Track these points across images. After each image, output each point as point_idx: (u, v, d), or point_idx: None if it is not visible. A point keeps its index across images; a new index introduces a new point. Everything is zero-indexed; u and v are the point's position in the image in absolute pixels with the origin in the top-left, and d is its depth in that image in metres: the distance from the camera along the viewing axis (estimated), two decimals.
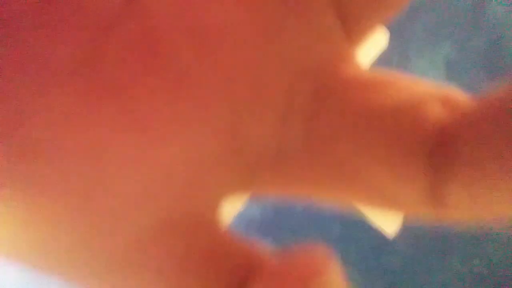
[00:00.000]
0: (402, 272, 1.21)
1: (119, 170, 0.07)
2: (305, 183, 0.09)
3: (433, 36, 1.18)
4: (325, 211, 1.19)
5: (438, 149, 0.08)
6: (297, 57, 0.08)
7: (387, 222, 0.84)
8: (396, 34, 1.01)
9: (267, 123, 0.08)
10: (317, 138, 0.08)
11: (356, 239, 1.22)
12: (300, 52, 0.08)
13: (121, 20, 0.06)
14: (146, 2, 0.07)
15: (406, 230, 0.98)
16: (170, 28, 0.07)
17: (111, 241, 0.07)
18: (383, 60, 0.99)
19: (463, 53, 1.17)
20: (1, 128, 0.06)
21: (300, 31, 0.08)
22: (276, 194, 0.09)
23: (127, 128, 0.07)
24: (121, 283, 0.08)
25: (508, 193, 0.07)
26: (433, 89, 0.08)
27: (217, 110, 0.08)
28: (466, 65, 1.18)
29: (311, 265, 0.07)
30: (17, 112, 0.06)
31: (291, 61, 0.08)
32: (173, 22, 0.07)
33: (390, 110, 0.08)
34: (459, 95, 0.08)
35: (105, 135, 0.07)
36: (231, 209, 0.84)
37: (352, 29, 0.08)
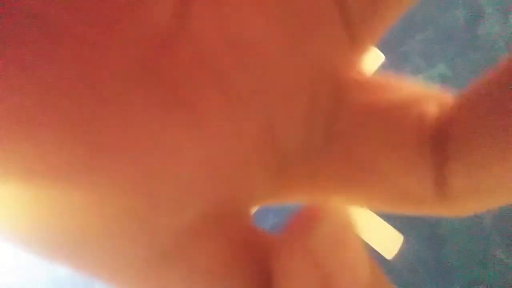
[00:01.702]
0: None
1: (176, 164, 0.08)
2: (324, 179, 0.10)
3: (428, 55, 1.19)
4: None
5: (440, 141, 0.09)
6: (315, 65, 0.09)
7: (386, 245, 0.83)
8: (391, 53, 1.01)
9: (296, 123, 0.09)
10: (335, 136, 0.09)
11: None
12: (317, 60, 0.09)
13: (174, 39, 0.08)
14: (194, 24, 0.08)
15: (405, 255, 0.96)
16: (216, 47, 0.08)
17: (165, 228, 0.08)
18: None
19: (458, 71, 1.18)
20: (77, 124, 0.07)
21: (316, 42, 0.09)
22: (301, 195, 0.10)
23: (186, 127, 0.08)
24: (168, 275, 0.08)
25: (505, 175, 0.08)
26: (423, 89, 0.10)
27: (257, 112, 0.08)
28: (461, 83, 1.18)
29: (312, 213, 0.08)
30: (91, 112, 0.07)
31: (311, 68, 0.09)
32: (217, 40, 0.08)
33: (397, 107, 0.09)
34: (447, 94, 0.09)
35: (166, 135, 0.08)
36: None
37: (357, 40, 0.09)
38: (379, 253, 0.83)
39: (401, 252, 0.83)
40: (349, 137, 0.09)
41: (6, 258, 1.16)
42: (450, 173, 0.08)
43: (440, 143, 0.09)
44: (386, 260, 0.83)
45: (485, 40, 1.18)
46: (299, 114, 0.09)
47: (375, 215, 0.82)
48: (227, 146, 0.08)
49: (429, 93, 0.09)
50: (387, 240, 0.83)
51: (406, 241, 0.83)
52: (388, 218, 0.83)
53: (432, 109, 0.09)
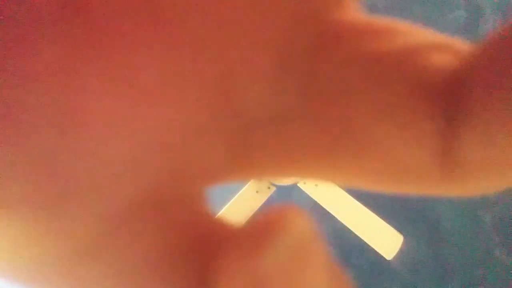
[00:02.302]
0: None
1: (105, 132, 0.06)
2: (304, 152, 0.08)
3: None
4: (323, 234, 1.17)
5: (447, 99, 0.07)
6: (289, 5, 0.07)
7: (386, 245, 0.83)
8: None
9: (261, 81, 0.07)
10: (315, 96, 0.07)
11: (354, 263, 1.20)
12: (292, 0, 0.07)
13: None
14: None
15: (405, 255, 0.96)
16: None
17: (94, 211, 0.07)
18: None
19: None
20: None
21: None
22: (272, 172, 0.08)
23: (117, 85, 0.06)
24: (104, 259, 0.07)
25: None
26: (433, 35, 0.08)
27: (210, 66, 0.07)
28: None
29: (275, 216, 0.07)
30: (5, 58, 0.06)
31: (284, 9, 0.07)
32: None
33: (391, 57, 0.07)
34: (459, 42, 0.07)
35: (92, 92, 0.06)
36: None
37: None
38: (379, 253, 0.83)
39: (400, 252, 0.83)
40: (333, 97, 0.07)
41: None
42: (463, 143, 0.07)
43: (452, 104, 0.07)
44: (386, 260, 0.83)
45: None
46: (266, 68, 0.07)
47: (374, 215, 0.82)
48: (169, 108, 0.07)
49: (439, 41, 0.07)
50: (386, 240, 0.83)
51: (405, 241, 0.83)
52: (388, 218, 0.83)
53: (442, 60, 0.07)
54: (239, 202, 0.81)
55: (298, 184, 0.81)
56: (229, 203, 0.81)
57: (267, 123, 0.08)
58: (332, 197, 0.83)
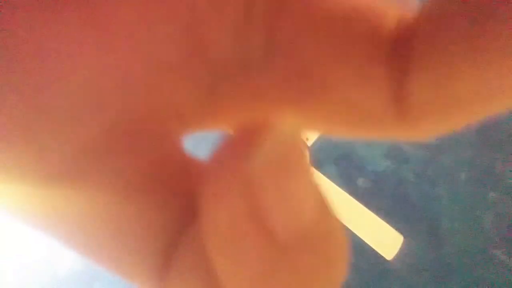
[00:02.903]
0: None
1: (72, 67, 0.07)
2: (269, 100, 0.08)
3: None
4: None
5: (401, 53, 0.08)
6: None
7: (386, 246, 0.83)
8: None
9: (226, 29, 0.08)
10: (278, 44, 0.08)
11: (354, 264, 1.20)
12: None
13: None
14: None
15: (405, 255, 0.96)
16: None
17: (63, 144, 0.07)
18: None
19: None
20: None
21: None
22: (242, 119, 0.09)
23: (83, 23, 0.07)
24: (72, 193, 0.07)
25: (474, 81, 0.07)
26: (386, 3, 0.08)
27: (180, 11, 0.07)
28: None
29: (261, 122, 0.07)
30: None
31: None
32: None
33: (351, 15, 0.08)
34: (409, 11, 0.08)
35: (59, 30, 0.07)
36: None
37: None
38: (379, 254, 0.83)
39: (400, 253, 0.83)
40: (295, 47, 0.08)
41: (9, 258, 1.16)
42: (412, 88, 0.08)
43: (400, 56, 0.08)
44: (386, 260, 0.83)
45: None
46: (231, 17, 0.08)
47: (374, 215, 0.82)
48: (138, 49, 0.07)
49: (389, 7, 0.08)
50: (386, 241, 0.83)
51: (405, 242, 0.83)
52: (388, 219, 0.83)
53: (391, 21, 0.08)
54: None
55: None
56: None
57: (233, 72, 0.08)
58: (332, 197, 0.82)
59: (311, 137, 0.82)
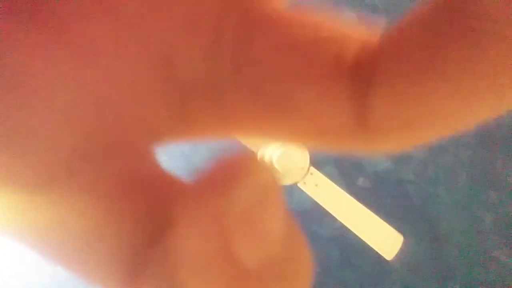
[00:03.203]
0: None
1: (46, 88, 0.07)
2: (238, 116, 0.09)
3: None
4: (323, 234, 1.17)
5: (362, 72, 0.08)
6: None
7: (386, 246, 0.83)
8: None
9: (196, 51, 0.08)
10: (246, 66, 0.09)
11: (354, 263, 1.20)
12: None
13: None
14: None
15: (405, 255, 0.96)
16: None
17: (37, 162, 0.07)
18: None
19: None
20: None
21: None
22: (213, 134, 0.10)
23: (57, 45, 0.07)
24: (47, 207, 0.08)
25: (427, 102, 0.07)
26: (353, 29, 0.09)
27: (148, 35, 0.08)
28: None
29: (230, 166, 0.07)
30: None
31: None
32: None
33: (314, 41, 0.08)
34: (371, 34, 0.09)
35: (33, 51, 0.07)
36: None
37: None
38: (379, 254, 0.83)
39: (400, 253, 0.83)
40: (262, 69, 0.08)
41: (8, 259, 1.16)
42: (372, 107, 0.08)
43: (363, 77, 0.08)
44: (386, 260, 0.83)
45: None
46: (201, 42, 0.08)
47: (374, 215, 0.82)
48: (110, 70, 0.08)
49: (351, 32, 0.09)
50: (386, 241, 0.83)
51: (405, 242, 0.83)
52: (388, 219, 0.83)
53: (355, 45, 0.09)
54: None
55: (298, 184, 0.81)
56: None
57: (203, 91, 0.09)
58: (332, 197, 0.82)
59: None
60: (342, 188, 0.82)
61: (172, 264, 0.07)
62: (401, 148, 0.09)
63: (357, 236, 0.82)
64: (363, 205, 0.81)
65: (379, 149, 0.09)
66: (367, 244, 0.83)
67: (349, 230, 0.82)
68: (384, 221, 0.82)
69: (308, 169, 0.80)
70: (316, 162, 0.83)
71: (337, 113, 0.08)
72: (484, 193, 1.18)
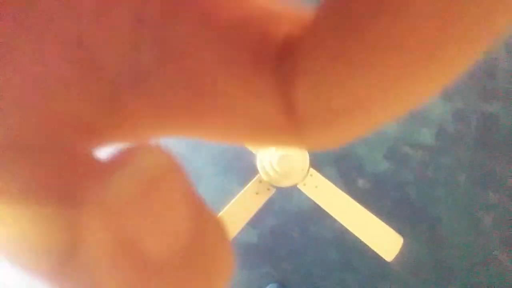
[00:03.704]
0: None
1: None
2: (168, 110, 0.09)
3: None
4: (323, 236, 1.17)
5: (287, 61, 0.08)
6: None
7: (386, 247, 0.82)
8: None
9: (118, 41, 0.08)
10: (169, 56, 0.08)
11: (354, 265, 1.20)
12: None
13: None
14: None
15: (405, 256, 0.96)
16: None
17: None
18: None
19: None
20: None
21: None
22: (148, 131, 0.09)
23: None
24: None
25: (347, 91, 0.07)
26: (283, 9, 0.08)
27: (67, 26, 0.08)
28: (460, 85, 1.18)
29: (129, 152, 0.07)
30: None
31: None
32: None
33: (240, 22, 0.08)
34: (303, 14, 0.08)
35: None
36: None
37: None
38: (379, 255, 0.83)
39: (400, 254, 0.83)
40: (186, 56, 0.08)
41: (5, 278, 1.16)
42: (298, 95, 0.08)
43: (288, 61, 0.08)
44: (386, 261, 0.83)
45: None
46: (122, 29, 0.08)
47: (374, 216, 0.82)
48: (29, 70, 0.08)
49: (282, 12, 0.08)
50: (386, 242, 0.83)
51: (405, 243, 0.83)
52: (388, 220, 0.83)
53: (281, 28, 0.08)
54: (239, 204, 0.81)
55: (298, 186, 0.81)
56: (228, 205, 0.81)
57: (130, 83, 0.08)
58: (332, 198, 0.82)
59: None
60: (342, 189, 0.82)
61: (87, 258, 0.07)
62: (336, 142, 0.08)
63: (357, 237, 0.82)
64: (363, 206, 0.81)
65: (314, 144, 0.09)
66: (367, 246, 0.83)
67: (349, 231, 0.82)
68: (384, 222, 0.82)
69: (308, 170, 0.80)
70: (316, 164, 0.83)
71: (263, 103, 0.08)
72: (483, 194, 1.18)
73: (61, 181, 0.08)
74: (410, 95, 0.07)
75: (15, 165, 0.08)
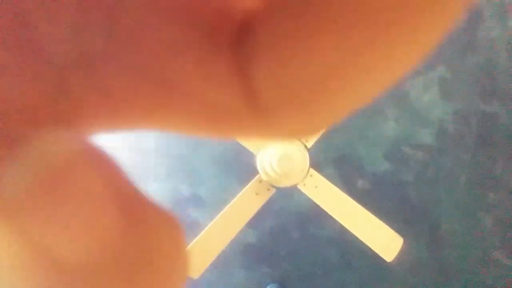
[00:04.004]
0: None
1: None
2: (118, 98, 0.08)
3: (427, 57, 1.19)
4: (323, 236, 1.17)
5: (245, 41, 0.07)
6: None
7: (386, 248, 0.82)
8: None
9: (61, 24, 0.07)
10: (117, 39, 0.07)
11: (354, 265, 1.20)
12: None
13: None
14: None
15: (405, 257, 0.96)
16: None
17: None
18: None
19: (456, 73, 1.18)
20: None
21: None
22: (109, 123, 0.08)
23: None
24: None
25: (308, 66, 0.07)
26: None
27: (4, 9, 0.07)
28: (460, 85, 1.18)
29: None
30: None
31: None
32: None
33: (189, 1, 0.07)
34: None
35: None
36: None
37: None
38: (379, 255, 0.82)
39: (400, 255, 0.83)
40: (135, 38, 0.07)
41: None
42: (260, 76, 0.07)
43: (247, 42, 0.07)
44: (386, 262, 0.83)
45: (484, 43, 1.18)
46: (65, 11, 0.07)
47: (374, 217, 0.82)
48: None
49: None
50: (386, 242, 0.83)
51: (405, 243, 0.83)
52: (388, 220, 0.83)
53: (240, 2, 0.07)
54: (239, 204, 0.81)
55: (298, 186, 0.81)
56: (228, 205, 0.81)
57: (78, 68, 0.08)
58: (332, 199, 0.82)
59: (311, 138, 0.82)
60: (342, 190, 0.82)
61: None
62: (308, 129, 0.08)
63: (357, 238, 0.82)
64: (363, 207, 0.81)
65: (283, 131, 0.08)
66: (367, 246, 0.83)
67: (349, 231, 0.82)
68: (384, 223, 0.82)
69: (308, 170, 0.80)
70: (316, 164, 0.83)
71: (223, 90, 0.07)
72: (483, 195, 1.18)
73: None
74: (375, 67, 0.07)
75: None
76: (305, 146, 0.81)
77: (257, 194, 0.82)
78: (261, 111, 0.07)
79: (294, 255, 1.19)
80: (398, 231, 0.83)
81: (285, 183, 0.81)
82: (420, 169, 1.20)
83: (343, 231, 0.83)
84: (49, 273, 0.06)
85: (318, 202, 0.82)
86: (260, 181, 0.81)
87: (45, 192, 0.06)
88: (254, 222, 0.99)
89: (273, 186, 0.82)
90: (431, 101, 1.18)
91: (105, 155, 0.07)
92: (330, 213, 0.82)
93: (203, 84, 0.07)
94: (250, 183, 0.82)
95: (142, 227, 0.07)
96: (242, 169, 1.10)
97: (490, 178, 1.20)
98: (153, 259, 0.07)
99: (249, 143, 0.82)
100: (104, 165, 0.07)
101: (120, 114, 0.08)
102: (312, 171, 0.81)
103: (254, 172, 0.81)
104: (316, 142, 0.83)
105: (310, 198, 0.82)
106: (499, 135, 1.20)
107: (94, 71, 0.08)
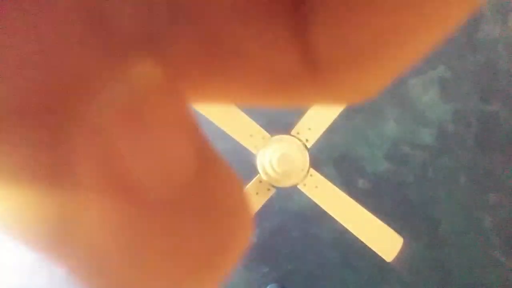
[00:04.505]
0: None
1: None
2: (182, 69, 0.08)
3: (428, 57, 1.19)
4: (323, 236, 1.17)
5: (300, 3, 0.07)
6: None
7: (386, 247, 0.83)
8: None
9: (132, 4, 0.07)
10: (182, 12, 0.07)
11: (354, 265, 1.20)
12: None
13: None
14: None
15: (405, 257, 0.96)
16: None
17: None
18: None
19: (457, 73, 1.18)
20: None
21: None
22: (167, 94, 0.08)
23: None
24: None
25: (371, 26, 0.07)
26: None
27: None
28: (460, 85, 1.18)
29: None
30: None
31: None
32: None
33: None
34: None
35: None
36: None
37: None
38: (379, 255, 0.83)
39: (400, 255, 0.83)
40: (199, 13, 0.08)
41: (8, 259, 1.16)
42: (315, 41, 0.07)
43: (300, 7, 0.07)
44: (386, 262, 0.83)
45: (484, 43, 1.18)
46: None
47: (374, 217, 0.82)
48: (38, 30, 0.07)
49: None
50: (386, 242, 0.83)
51: (405, 243, 0.83)
52: (388, 220, 0.83)
53: None
54: None
55: (298, 186, 0.81)
56: None
57: (141, 43, 0.08)
58: (332, 198, 0.82)
59: (311, 138, 0.83)
60: (342, 189, 0.82)
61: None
62: (364, 91, 0.08)
63: (357, 238, 0.82)
64: (363, 206, 0.81)
65: (342, 94, 0.08)
66: (367, 246, 0.83)
67: (349, 231, 0.82)
68: (384, 222, 0.82)
69: (308, 170, 0.80)
70: (316, 164, 0.83)
71: (282, 55, 0.08)
72: (483, 195, 1.18)
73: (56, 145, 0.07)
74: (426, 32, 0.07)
75: (18, 131, 0.07)
76: (305, 146, 0.81)
77: (257, 194, 0.82)
78: (320, 74, 0.08)
79: (294, 255, 1.19)
80: (398, 231, 0.83)
81: (285, 183, 0.81)
82: (420, 169, 1.20)
83: (343, 231, 0.83)
84: (125, 201, 0.06)
85: (318, 202, 0.82)
86: (260, 181, 0.81)
87: (134, 114, 0.06)
88: (258, 218, 0.99)
89: (273, 186, 0.82)
90: (431, 101, 1.18)
91: (187, 105, 0.07)
92: (330, 213, 0.82)
93: (263, 52, 0.08)
94: (250, 183, 0.82)
95: (213, 177, 0.07)
96: (242, 169, 1.10)
97: (490, 178, 1.20)
98: (221, 210, 0.07)
99: (250, 143, 0.82)
100: (187, 109, 0.07)
101: (180, 85, 0.08)
102: (312, 171, 0.81)
103: (254, 172, 0.81)
104: (316, 142, 0.83)
105: (310, 198, 0.82)
106: (499, 135, 1.20)
107: (158, 46, 0.08)
